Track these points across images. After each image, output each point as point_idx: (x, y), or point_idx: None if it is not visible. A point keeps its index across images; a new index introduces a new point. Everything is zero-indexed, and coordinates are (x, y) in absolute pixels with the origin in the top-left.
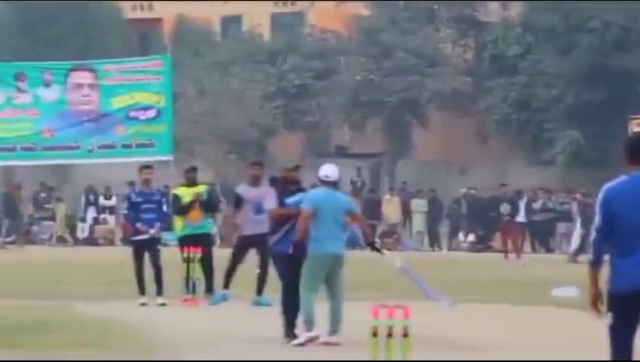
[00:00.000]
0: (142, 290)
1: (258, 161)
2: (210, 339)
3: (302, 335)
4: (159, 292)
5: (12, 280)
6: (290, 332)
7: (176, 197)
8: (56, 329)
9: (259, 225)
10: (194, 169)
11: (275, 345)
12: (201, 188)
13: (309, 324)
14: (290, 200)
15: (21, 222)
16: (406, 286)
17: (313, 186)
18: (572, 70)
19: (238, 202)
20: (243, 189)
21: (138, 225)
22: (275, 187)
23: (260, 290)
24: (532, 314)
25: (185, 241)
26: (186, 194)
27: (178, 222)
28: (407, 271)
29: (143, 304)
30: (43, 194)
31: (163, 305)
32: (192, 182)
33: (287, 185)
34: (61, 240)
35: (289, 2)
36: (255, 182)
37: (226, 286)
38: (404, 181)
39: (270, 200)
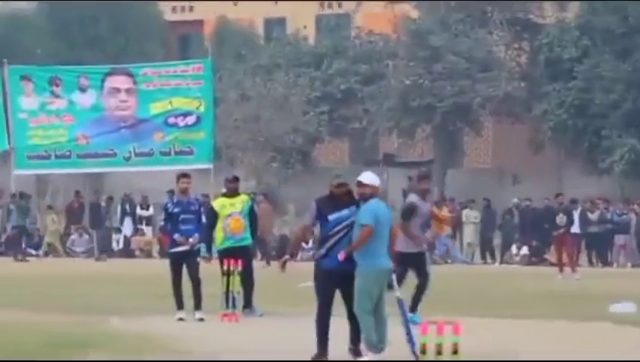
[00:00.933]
0: (180, 305)
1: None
2: (251, 357)
3: (368, 354)
4: (197, 306)
5: (48, 293)
6: (321, 352)
7: (212, 211)
8: (94, 345)
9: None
10: (236, 179)
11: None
12: (243, 198)
13: (372, 347)
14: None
15: (107, 233)
16: (456, 300)
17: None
18: (631, 74)
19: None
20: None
21: (175, 236)
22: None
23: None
24: (588, 331)
25: (225, 254)
26: (225, 205)
27: (219, 234)
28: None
29: (180, 319)
30: (76, 205)
31: (201, 320)
32: (233, 193)
33: (334, 200)
34: (53, 251)
35: (335, 3)
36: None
37: None
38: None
39: None
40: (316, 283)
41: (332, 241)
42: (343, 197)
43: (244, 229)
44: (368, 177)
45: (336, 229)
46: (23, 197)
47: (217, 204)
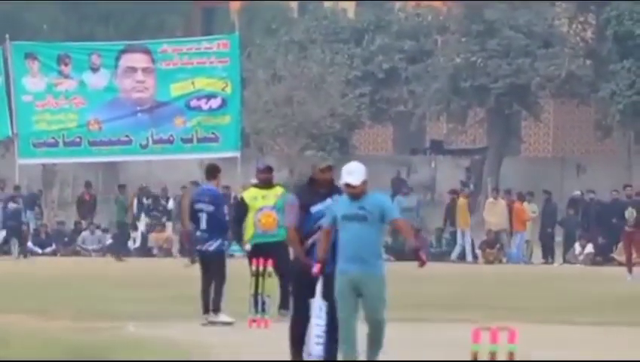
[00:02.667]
0: (206, 308)
1: None
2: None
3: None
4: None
5: (62, 298)
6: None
7: (242, 203)
8: (109, 356)
9: None
10: (269, 169)
11: None
12: (277, 191)
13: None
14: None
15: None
16: (512, 304)
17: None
18: None
19: None
20: None
21: (198, 233)
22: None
23: None
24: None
25: (255, 252)
26: (257, 197)
27: (248, 230)
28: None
29: (206, 323)
30: (87, 197)
31: (228, 323)
32: (265, 184)
33: (316, 189)
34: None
35: None
36: None
37: None
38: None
39: None
40: (294, 286)
41: (314, 238)
42: (325, 185)
43: (276, 225)
44: (358, 175)
45: (318, 224)
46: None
47: (248, 195)
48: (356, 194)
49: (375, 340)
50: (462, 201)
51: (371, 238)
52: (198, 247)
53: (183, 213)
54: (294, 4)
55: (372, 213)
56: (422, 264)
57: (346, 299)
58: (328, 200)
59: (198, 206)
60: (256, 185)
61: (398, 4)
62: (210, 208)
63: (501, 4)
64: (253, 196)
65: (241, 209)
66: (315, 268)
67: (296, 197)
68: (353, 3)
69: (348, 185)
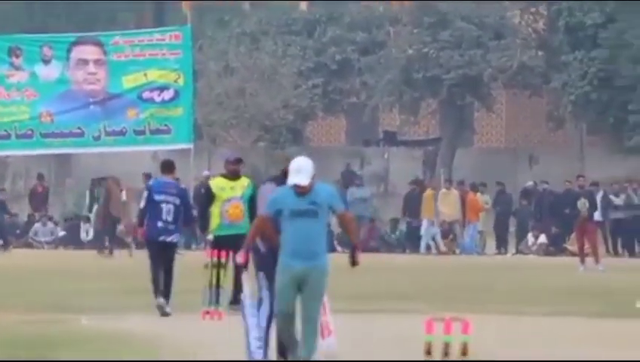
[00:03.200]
0: (157, 290)
1: None
2: (233, 357)
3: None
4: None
5: (13, 291)
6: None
7: (209, 192)
8: (61, 347)
9: None
10: (238, 161)
11: None
12: (244, 182)
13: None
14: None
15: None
16: (466, 295)
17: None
18: None
19: None
20: None
21: (160, 224)
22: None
23: None
24: (613, 329)
25: (219, 243)
26: (225, 187)
27: (214, 220)
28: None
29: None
30: (40, 189)
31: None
32: (234, 175)
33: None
34: None
35: None
36: None
37: None
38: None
39: None
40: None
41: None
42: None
43: (243, 217)
44: (306, 173)
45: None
46: None
47: (216, 185)
48: (302, 193)
49: (310, 338)
50: (429, 193)
51: (320, 234)
52: (162, 238)
53: (123, 205)
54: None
55: (322, 208)
56: (354, 264)
57: (288, 295)
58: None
59: (161, 197)
60: (224, 176)
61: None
62: (177, 201)
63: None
64: (220, 186)
65: (208, 198)
66: (241, 257)
67: (275, 186)
68: None
69: (297, 186)
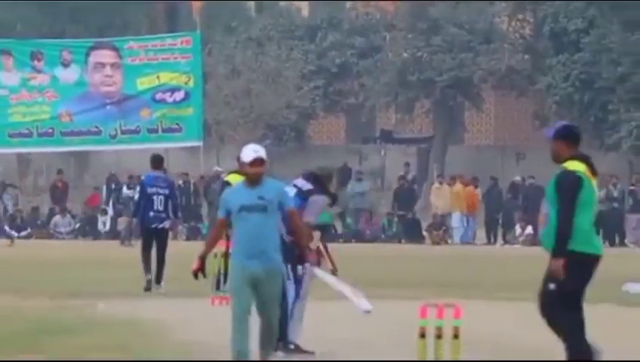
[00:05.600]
0: (149, 270)
1: None
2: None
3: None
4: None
5: (37, 279)
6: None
7: (228, 186)
8: (79, 332)
9: None
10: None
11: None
12: None
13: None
14: None
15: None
16: (458, 282)
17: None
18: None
19: None
20: None
21: (152, 213)
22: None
23: None
24: (595, 313)
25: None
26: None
27: None
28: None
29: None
30: (60, 184)
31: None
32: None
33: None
34: None
35: None
36: None
37: None
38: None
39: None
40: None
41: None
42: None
43: None
44: (263, 153)
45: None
46: None
47: (233, 179)
48: (256, 176)
49: (269, 338)
50: (458, 188)
51: (272, 230)
52: (154, 225)
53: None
54: (252, 4)
55: (272, 203)
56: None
57: (244, 295)
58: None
59: (153, 190)
60: (238, 172)
61: (349, 4)
62: (167, 191)
63: (445, 2)
64: (238, 181)
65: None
66: (196, 265)
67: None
68: (306, 2)
69: (251, 163)
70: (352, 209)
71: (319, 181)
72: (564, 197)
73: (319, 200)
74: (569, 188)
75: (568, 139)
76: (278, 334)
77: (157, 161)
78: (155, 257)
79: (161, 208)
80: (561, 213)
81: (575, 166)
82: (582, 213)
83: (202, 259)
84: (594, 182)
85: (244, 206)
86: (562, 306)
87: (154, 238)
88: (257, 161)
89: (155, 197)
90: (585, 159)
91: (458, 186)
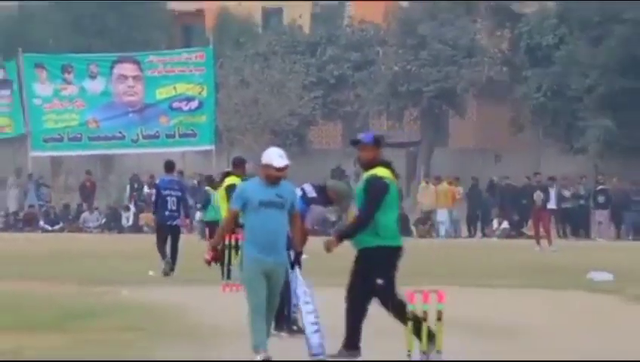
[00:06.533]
0: (165, 256)
1: None
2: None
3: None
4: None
5: (67, 268)
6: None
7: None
8: (103, 315)
9: None
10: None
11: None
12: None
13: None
14: None
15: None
16: (442, 271)
17: None
18: (605, 60)
19: None
20: None
21: (167, 213)
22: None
23: None
24: (564, 299)
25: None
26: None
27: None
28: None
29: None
30: (88, 184)
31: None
32: (242, 174)
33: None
34: None
35: None
36: None
37: None
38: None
39: None
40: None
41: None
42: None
43: None
44: (286, 159)
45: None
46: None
47: (234, 181)
48: (279, 179)
49: (269, 326)
50: (445, 187)
51: (284, 226)
52: (169, 223)
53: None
54: (259, 21)
55: (287, 202)
56: (293, 266)
57: (260, 286)
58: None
59: (166, 192)
60: (235, 174)
61: (345, 21)
62: (179, 193)
63: (431, 21)
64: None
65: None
66: (209, 255)
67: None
68: (308, 20)
69: (279, 169)
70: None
71: (324, 193)
72: (371, 199)
73: (316, 210)
74: (377, 193)
75: (379, 146)
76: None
77: (169, 166)
78: (170, 249)
79: (174, 208)
80: (364, 212)
81: (383, 172)
82: (388, 213)
83: (215, 249)
84: (395, 184)
85: (263, 201)
86: (388, 296)
87: (168, 233)
88: (286, 167)
89: (168, 198)
90: (388, 165)
91: (444, 185)
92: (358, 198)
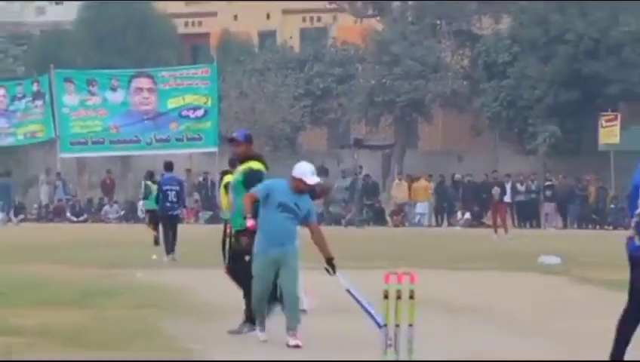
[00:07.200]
0: (168, 250)
1: None
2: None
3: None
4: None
5: (89, 254)
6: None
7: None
8: (119, 294)
9: None
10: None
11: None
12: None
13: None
14: None
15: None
16: (414, 256)
17: None
18: (552, 75)
19: None
20: None
21: (168, 204)
22: None
23: None
24: (518, 279)
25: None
26: None
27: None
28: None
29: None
30: (108, 181)
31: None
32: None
33: None
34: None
35: (315, 18)
36: None
37: None
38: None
39: None
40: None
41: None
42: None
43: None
44: (316, 178)
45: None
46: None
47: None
48: (302, 191)
49: (294, 310)
50: (423, 183)
51: (293, 229)
52: (170, 212)
53: None
54: (256, 42)
55: (301, 212)
56: (332, 272)
57: (266, 276)
58: None
59: (167, 187)
60: (229, 172)
61: (330, 42)
62: (177, 188)
63: (403, 42)
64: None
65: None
66: (251, 223)
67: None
68: (298, 40)
69: (309, 185)
70: (338, 199)
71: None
72: (250, 189)
73: None
74: (255, 183)
75: (250, 142)
76: (298, 305)
77: (169, 166)
78: (171, 235)
79: (174, 200)
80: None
81: (257, 165)
82: None
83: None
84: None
85: (282, 203)
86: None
87: (168, 221)
88: (317, 184)
89: (169, 193)
90: (261, 158)
91: (423, 182)
92: (235, 189)
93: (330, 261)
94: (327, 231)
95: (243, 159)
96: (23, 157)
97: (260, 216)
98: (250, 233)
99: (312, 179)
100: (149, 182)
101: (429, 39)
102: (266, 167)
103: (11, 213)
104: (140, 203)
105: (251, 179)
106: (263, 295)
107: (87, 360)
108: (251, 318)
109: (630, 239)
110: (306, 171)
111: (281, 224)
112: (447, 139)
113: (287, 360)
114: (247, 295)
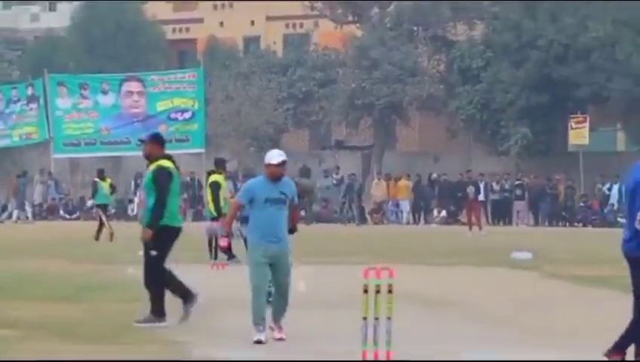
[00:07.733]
0: None
1: None
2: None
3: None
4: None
5: (83, 250)
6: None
7: (218, 185)
8: (112, 288)
9: None
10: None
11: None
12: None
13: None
14: None
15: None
16: (393, 252)
17: None
18: (523, 79)
19: None
20: None
21: None
22: None
23: None
24: (491, 274)
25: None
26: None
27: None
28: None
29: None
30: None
31: None
32: (223, 171)
33: None
34: None
35: (298, 25)
36: None
37: None
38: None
39: None
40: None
41: None
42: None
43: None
44: (283, 156)
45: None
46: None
47: (217, 179)
48: (279, 175)
49: (285, 304)
50: (404, 182)
51: (285, 219)
52: None
53: None
54: (241, 47)
55: (288, 197)
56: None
57: (262, 269)
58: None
59: None
60: (215, 172)
61: (312, 47)
62: None
63: (382, 47)
64: (221, 181)
65: (218, 188)
66: (225, 242)
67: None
68: (281, 46)
69: (277, 165)
70: (320, 198)
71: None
72: (160, 187)
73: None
74: (164, 181)
75: (160, 142)
76: (289, 299)
77: None
78: None
79: None
80: (159, 199)
81: (166, 163)
82: (172, 198)
83: (228, 236)
84: (178, 174)
85: (269, 198)
86: (157, 269)
87: None
88: (283, 163)
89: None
90: (170, 158)
91: (404, 181)
92: (146, 187)
93: (292, 231)
94: (309, 229)
95: (152, 159)
96: (18, 158)
97: (251, 215)
98: (159, 230)
99: (277, 159)
100: (97, 180)
101: (406, 45)
102: (177, 168)
103: (28, 211)
104: (89, 202)
105: (160, 176)
106: (259, 290)
107: (86, 360)
108: (157, 311)
109: (630, 240)
110: (270, 155)
111: (273, 217)
112: (423, 140)
113: (272, 360)
114: (159, 288)
